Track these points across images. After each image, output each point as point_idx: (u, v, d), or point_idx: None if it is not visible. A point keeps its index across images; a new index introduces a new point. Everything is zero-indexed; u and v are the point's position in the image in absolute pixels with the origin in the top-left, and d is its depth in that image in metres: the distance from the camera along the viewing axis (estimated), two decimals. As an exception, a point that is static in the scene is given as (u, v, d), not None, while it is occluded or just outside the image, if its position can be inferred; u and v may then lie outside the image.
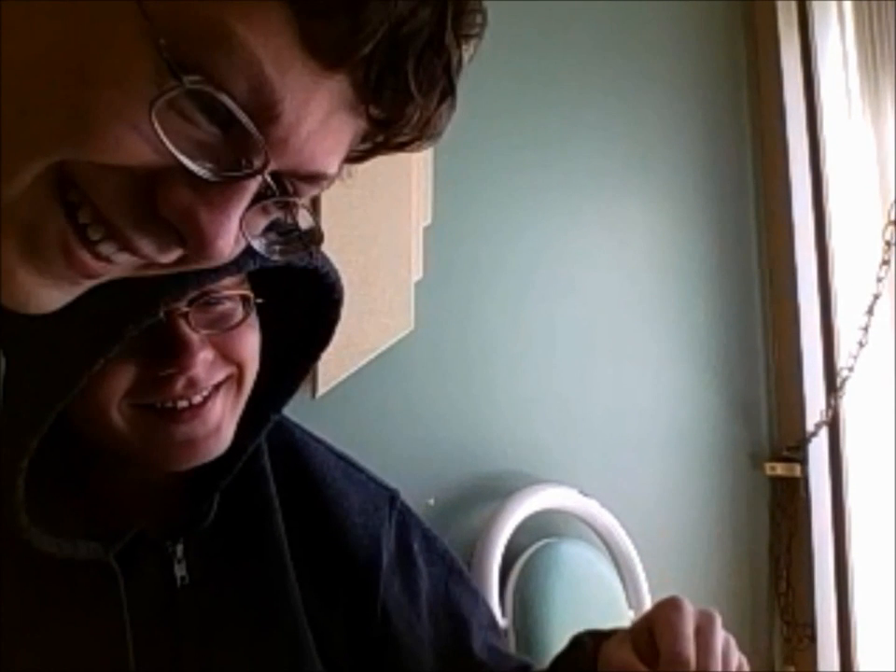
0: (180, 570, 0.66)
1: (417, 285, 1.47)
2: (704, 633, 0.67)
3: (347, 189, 1.40)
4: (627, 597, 1.58)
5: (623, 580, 1.58)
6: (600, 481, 1.64)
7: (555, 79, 1.72)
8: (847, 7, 1.96)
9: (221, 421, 0.64)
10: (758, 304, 1.99)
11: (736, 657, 0.69)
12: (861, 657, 1.82)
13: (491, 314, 1.60)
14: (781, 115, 1.99)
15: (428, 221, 1.52)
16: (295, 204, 0.45)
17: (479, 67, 1.63)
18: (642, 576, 1.59)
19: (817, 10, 1.98)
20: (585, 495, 1.58)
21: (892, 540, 1.78)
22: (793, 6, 2.01)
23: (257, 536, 0.70)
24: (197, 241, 0.40)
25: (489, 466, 1.54)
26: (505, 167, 1.63)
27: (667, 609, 0.69)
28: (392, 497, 0.80)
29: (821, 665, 1.83)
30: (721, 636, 0.68)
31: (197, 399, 0.62)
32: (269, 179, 0.41)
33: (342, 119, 0.41)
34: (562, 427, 1.66)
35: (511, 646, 1.45)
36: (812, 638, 1.85)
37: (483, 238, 1.60)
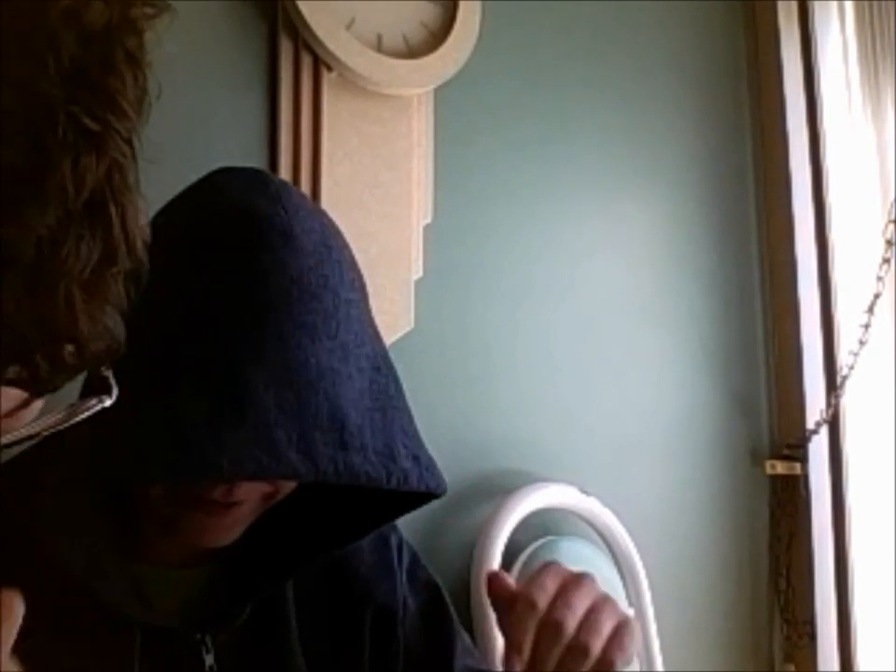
0: (209, 659, 0.69)
1: (418, 283, 1.47)
2: (566, 588, 0.69)
3: (347, 187, 1.41)
4: (627, 595, 1.58)
5: (622, 577, 1.59)
6: (600, 479, 1.64)
7: (555, 76, 1.71)
8: (848, 1, 1.96)
9: (238, 523, 0.68)
10: (758, 301, 1.99)
11: (614, 615, 0.69)
12: (862, 655, 1.82)
13: (492, 312, 1.60)
14: (781, 108, 1.98)
15: (429, 219, 1.52)
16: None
17: (479, 65, 1.63)
18: (642, 574, 1.59)
19: (817, 4, 1.97)
20: (585, 493, 1.58)
21: (893, 539, 1.78)
22: (794, 0, 2.00)
23: (269, 619, 0.73)
24: None
25: (489, 464, 1.54)
26: (506, 165, 1.63)
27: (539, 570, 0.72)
28: (393, 525, 0.82)
29: (821, 663, 1.83)
30: (586, 591, 0.69)
31: (231, 500, 0.66)
32: None
33: None
34: (562, 425, 1.65)
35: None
36: (812, 636, 1.85)
37: (483, 236, 1.60)
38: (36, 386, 0.36)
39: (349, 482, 0.61)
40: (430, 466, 0.67)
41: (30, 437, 0.41)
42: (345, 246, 0.70)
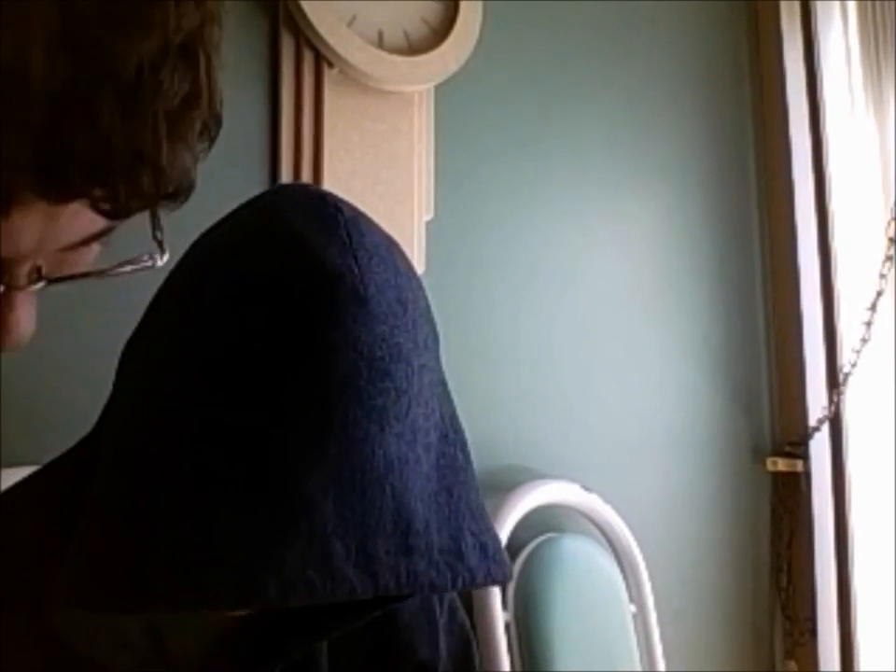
0: None
1: (419, 279, 1.47)
2: None
3: (348, 184, 1.41)
4: (629, 592, 1.58)
5: (624, 574, 1.59)
6: (602, 476, 1.64)
7: (556, 73, 1.71)
8: (850, 1, 1.96)
9: None
10: (760, 299, 1.99)
11: None
12: (862, 652, 1.82)
13: (493, 307, 1.60)
14: (784, 108, 1.98)
15: (430, 215, 1.52)
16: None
17: (480, 62, 1.63)
18: (643, 570, 1.59)
19: (819, 5, 1.98)
20: (587, 490, 1.59)
21: (893, 536, 1.78)
22: (796, 1, 2.00)
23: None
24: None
25: (491, 460, 1.54)
26: (506, 162, 1.64)
27: None
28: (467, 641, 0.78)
29: (822, 660, 1.83)
30: None
31: None
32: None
33: (69, 210, 0.40)
34: (564, 422, 1.66)
35: (511, 640, 1.45)
36: (813, 633, 1.85)
37: (485, 232, 1.60)
38: (113, 209, 0.39)
39: (412, 592, 0.54)
40: (496, 553, 0.59)
41: (83, 275, 0.45)
42: (419, 287, 0.60)
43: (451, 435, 0.61)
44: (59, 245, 0.42)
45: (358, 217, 0.59)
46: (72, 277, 0.45)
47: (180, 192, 0.42)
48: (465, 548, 0.57)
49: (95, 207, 0.39)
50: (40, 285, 0.43)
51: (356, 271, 0.54)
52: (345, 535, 0.52)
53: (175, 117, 0.38)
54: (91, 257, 0.45)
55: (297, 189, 0.64)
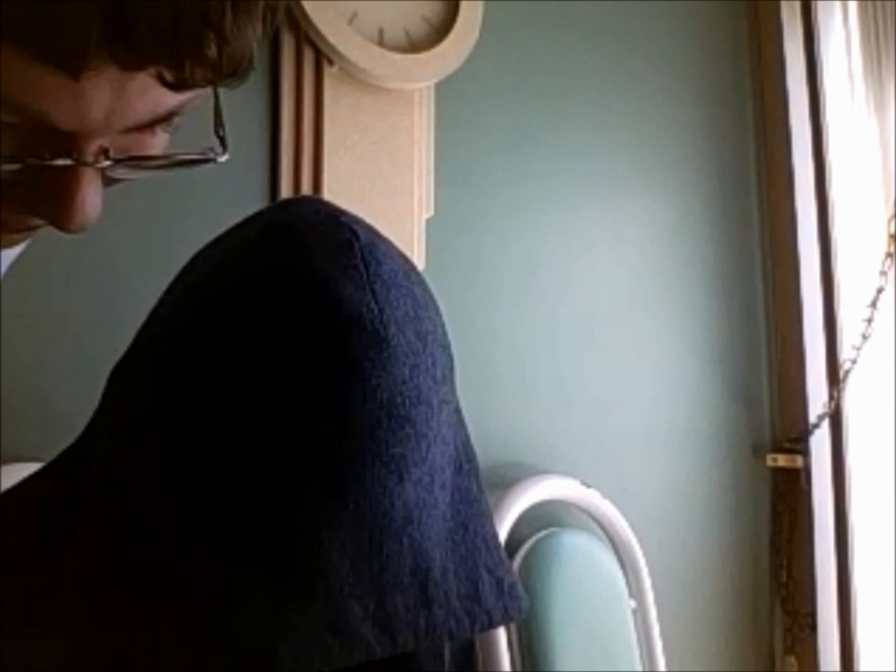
0: None
1: (419, 276, 1.47)
2: None
3: (349, 181, 1.41)
4: (629, 587, 1.58)
5: (624, 570, 1.59)
6: (602, 471, 1.65)
7: (556, 71, 1.72)
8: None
9: None
10: (760, 295, 1.99)
11: None
12: (862, 648, 1.83)
13: (493, 305, 1.60)
14: (784, 102, 1.98)
15: (430, 213, 1.52)
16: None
17: (480, 60, 1.63)
18: (643, 566, 1.60)
19: (820, -2, 1.98)
20: (587, 485, 1.59)
21: (893, 532, 1.79)
22: (796, -9, 2.00)
23: None
24: (61, 223, 0.44)
25: (490, 456, 1.55)
26: (507, 159, 1.64)
27: None
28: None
29: (822, 655, 1.83)
30: None
31: None
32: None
33: (136, 84, 0.41)
34: (564, 417, 1.66)
35: (511, 636, 1.46)
36: (813, 629, 1.85)
37: (485, 230, 1.60)
38: (179, 79, 0.40)
39: (430, 644, 0.52)
40: (511, 588, 0.57)
41: (147, 158, 0.46)
42: (437, 313, 0.57)
43: (465, 466, 0.58)
44: (127, 123, 0.42)
45: (375, 241, 0.54)
46: (137, 159, 0.46)
47: (240, 71, 0.43)
48: (482, 588, 0.55)
49: (161, 79, 0.40)
50: (107, 163, 0.44)
51: (374, 308, 0.50)
52: (363, 595, 0.49)
53: None
54: (157, 145, 0.47)
55: (309, 210, 0.56)
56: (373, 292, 0.51)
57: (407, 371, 0.51)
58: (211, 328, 0.51)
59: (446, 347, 0.57)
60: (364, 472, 0.49)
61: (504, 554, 0.59)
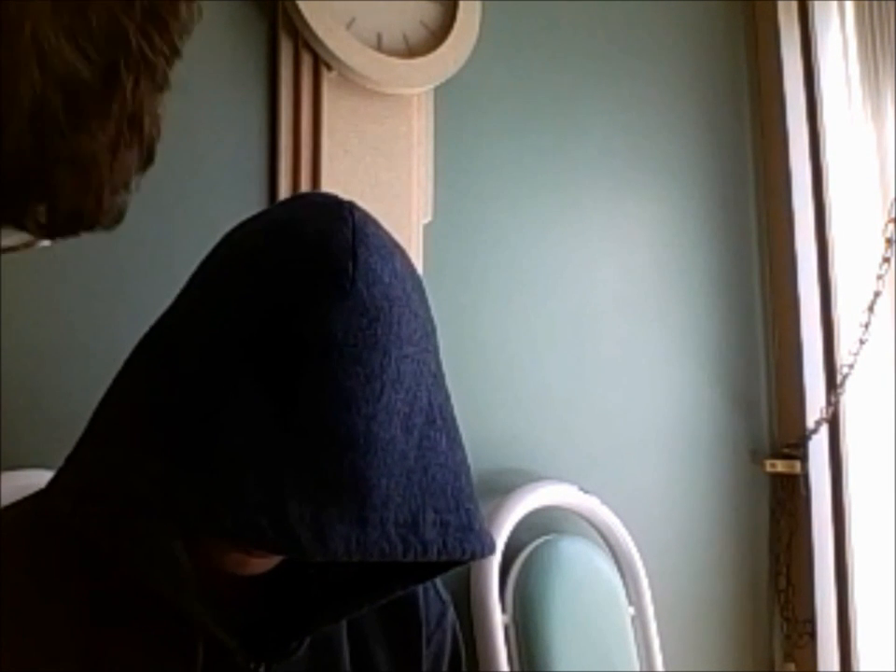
0: None
1: (417, 281, 1.47)
2: None
3: (347, 186, 1.41)
4: (627, 594, 1.58)
5: (622, 576, 1.59)
6: (600, 477, 1.64)
7: (554, 75, 1.72)
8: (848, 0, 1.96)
9: (274, 560, 0.69)
10: (758, 300, 1.99)
11: None
12: (862, 654, 1.82)
13: (491, 310, 1.60)
14: (781, 106, 1.98)
15: (428, 218, 1.52)
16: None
17: (479, 65, 1.63)
18: (642, 572, 1.59)
19: (817, 2, 1.97)
20: (585, 491, 1.59)
21: (893, 538, 1.78)
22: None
23: (324, 654, 0.73)
24: None
25: (489, 463, 1.54)
26: (505, 164, 1.64)
27: None
28: (445, 609, 0.83)
29: (821, 662, 1.83)
30: None
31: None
32: None
33: None
34: (562, 423, 1.66)
35: (511, 643, 1.45)
36: (812, 635, 1.85)
37: (483, 235, 1.60)
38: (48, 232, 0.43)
39: (362, 559, 0.58)
40: (458, 530, 0.63)
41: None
42: (416, 289, 0.67)
43: (438, 422, 0.66)
44: None
45: (368, 219, 0.66)
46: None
47: (113, 224, 0.47)
48: (422, 523, 0.62)
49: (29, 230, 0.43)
50: None
51: (349, 267, 0.62)
52: (302, 501, 0.57)
53: (126, 180, 0.44)
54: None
55: (320, 194, 0.72)
56: (354, 254, 0.62)
57: (365, 321, 0.61)
58: (223, 270, 0.66)
59: (424, 319, 0.67)
60: (310, 396, 0.59)
61: (469, 506, 0.65)
